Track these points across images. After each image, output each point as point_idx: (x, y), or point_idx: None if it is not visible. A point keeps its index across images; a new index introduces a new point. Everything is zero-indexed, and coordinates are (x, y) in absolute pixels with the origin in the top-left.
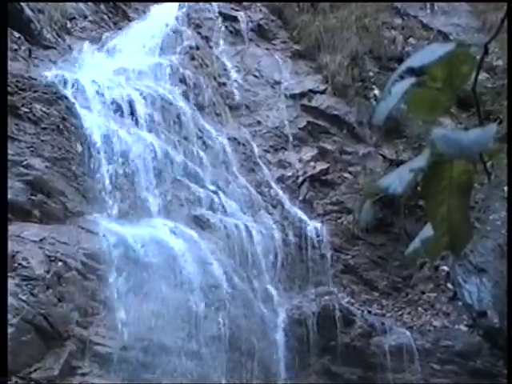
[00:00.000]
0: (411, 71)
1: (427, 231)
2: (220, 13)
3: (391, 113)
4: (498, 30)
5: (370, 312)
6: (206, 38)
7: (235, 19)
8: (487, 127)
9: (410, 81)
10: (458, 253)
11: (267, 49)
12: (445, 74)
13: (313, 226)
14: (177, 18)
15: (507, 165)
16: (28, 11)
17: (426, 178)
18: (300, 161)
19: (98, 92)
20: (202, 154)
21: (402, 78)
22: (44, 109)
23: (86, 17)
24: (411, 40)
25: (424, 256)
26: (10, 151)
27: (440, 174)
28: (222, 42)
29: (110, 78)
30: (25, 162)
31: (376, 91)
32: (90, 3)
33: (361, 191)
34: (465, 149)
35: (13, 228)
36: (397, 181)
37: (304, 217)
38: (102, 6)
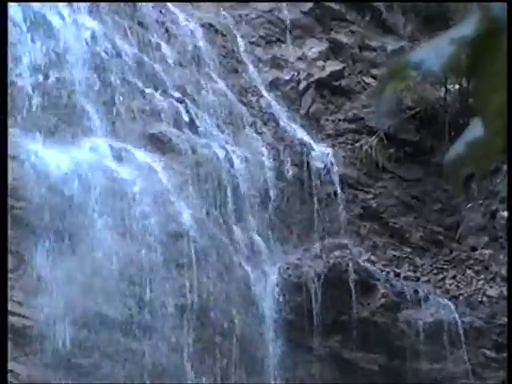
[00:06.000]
0: None
1: (475, 130)
2: None
3: None
4: None
5: (398, 275)
6: None
7: None
8: None
9: None
10: None
11: None
12: None
13: (319, 151)
14: None
15: (507, 165)
16: None
17: (474, 53)
18: (303, 59)
19: None
20: (163, 46)
21: None
22: None
23: None
24: None
25: (469, 165)
26: None
27: (494, 48)
28: None
29: None
30: None
31: None
32: None
33: None
34: None
35: None
36: (433, 54)
37: (307, 138)
38: None
